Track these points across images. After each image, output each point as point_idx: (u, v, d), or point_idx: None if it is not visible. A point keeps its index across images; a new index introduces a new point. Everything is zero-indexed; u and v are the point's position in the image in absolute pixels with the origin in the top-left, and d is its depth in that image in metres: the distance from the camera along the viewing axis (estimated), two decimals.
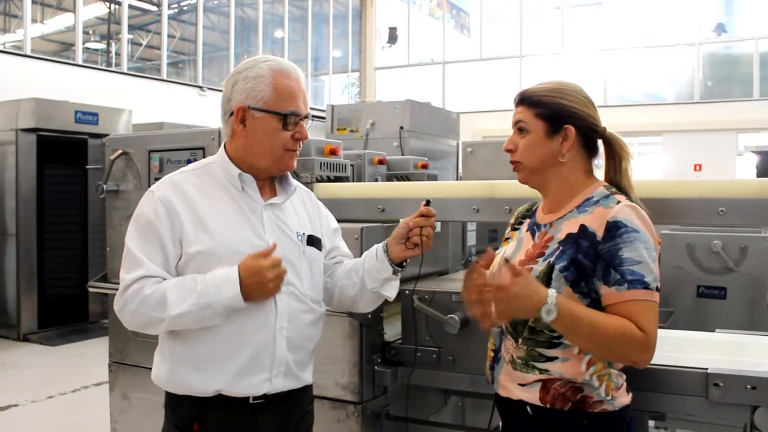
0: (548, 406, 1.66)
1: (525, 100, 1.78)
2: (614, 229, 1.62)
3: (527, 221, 1.87)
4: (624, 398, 1.69)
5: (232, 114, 1.75)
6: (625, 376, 1.70)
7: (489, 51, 16.49)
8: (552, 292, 1.54)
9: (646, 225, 1.64)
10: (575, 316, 1.56)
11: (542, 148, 1.74)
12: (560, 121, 1.73)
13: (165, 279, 1.69)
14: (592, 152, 1.79)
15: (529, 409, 1.70)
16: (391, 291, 1.90)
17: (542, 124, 1.74)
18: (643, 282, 1.58)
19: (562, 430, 1.67)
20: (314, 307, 1.85)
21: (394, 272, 1.86)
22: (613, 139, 1.78)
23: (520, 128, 1.77)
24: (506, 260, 1.61)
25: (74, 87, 9.52)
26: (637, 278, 1.58)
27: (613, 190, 1.74)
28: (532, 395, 1.69)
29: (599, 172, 1.82)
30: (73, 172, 7.61)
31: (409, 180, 3.72)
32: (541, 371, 1.67)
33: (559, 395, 1.65)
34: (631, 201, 1.70)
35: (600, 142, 1.80)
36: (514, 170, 1.81)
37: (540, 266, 1.67)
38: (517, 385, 1.72)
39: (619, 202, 1.67)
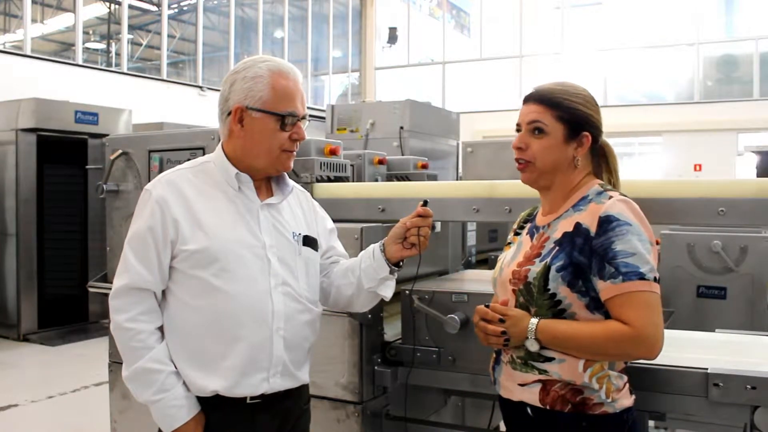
0: (548, 407, 1.66)
1: (544, 99, 1.72)
2: (606, 223, 1.62)
3: (528, 225, 1.86)
4: (626, 400, 1.68)
5: (229, 114, 1.75)
6: (626, 378, 1.70)
7: (489, 51, 16.47)
8: (532, 324, 1.64)
9: (638, 218, 1.64)
10: (557, 337, 1.63)
11: (559, 152, 1.71)
12: (580, 127, 1.72)
13: (151, 290, 1.70)
14: (594, 157, 1.80)
15: (529, 410, 1.70)
16: (388, 291, 1.90)
17: (562, 128, 1.71)
18: (639, 273, 1.57)
19: None
20: (311, 307, 1.84)
21: (391, 272, 1.86)
22: (606, 147, 1.81)
23: (537, 128, 1.72)
24: (485, 306, 1.73)
25: (74, 87, 9.51)
26: (632, 270, 1.57)
27: (608, 187, 1.74)
28: (532, 396, 1.69)
29: None
30: (73, 172, 7.60)
31: (409, 180, 3.72)
32: (540, 371, 1.67)
33: (559, 397, 1.65)
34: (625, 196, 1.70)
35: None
36: (521, 169, 1.77)
37: (537, 267, 1.67)
38: (518, 386, 1.72)
39: (611, 198, 1.66)
